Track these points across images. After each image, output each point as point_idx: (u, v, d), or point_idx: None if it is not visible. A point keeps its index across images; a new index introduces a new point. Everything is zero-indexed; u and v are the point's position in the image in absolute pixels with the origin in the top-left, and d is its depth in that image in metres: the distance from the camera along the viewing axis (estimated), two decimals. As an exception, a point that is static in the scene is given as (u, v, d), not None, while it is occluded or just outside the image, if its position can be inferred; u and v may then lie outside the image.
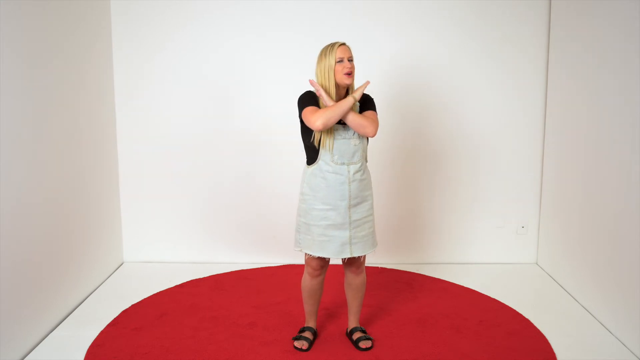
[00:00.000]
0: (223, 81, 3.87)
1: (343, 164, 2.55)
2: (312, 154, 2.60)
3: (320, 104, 2.54)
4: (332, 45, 2.52)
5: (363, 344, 2.73)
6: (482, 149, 3.94)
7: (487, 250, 4.04)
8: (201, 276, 3.72)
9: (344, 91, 2.58)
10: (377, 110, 2.68)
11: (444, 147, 3.94)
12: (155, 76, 3.86)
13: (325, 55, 2.52)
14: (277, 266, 3.93)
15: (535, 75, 3.85)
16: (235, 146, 3.92)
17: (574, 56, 3.43)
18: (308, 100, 2.54)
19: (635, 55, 2.74)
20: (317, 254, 2.61)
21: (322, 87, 2.52)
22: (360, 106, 2.63)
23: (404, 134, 3.90)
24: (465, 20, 3.80)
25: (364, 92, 2.63)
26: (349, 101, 2.46)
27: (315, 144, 2.55)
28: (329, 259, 2.67)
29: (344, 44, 2.53)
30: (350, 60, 2.52)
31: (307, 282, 2.74)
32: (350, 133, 2.54)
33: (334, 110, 2.43)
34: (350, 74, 2.50)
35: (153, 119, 3.90)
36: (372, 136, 2.53)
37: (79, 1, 3.31)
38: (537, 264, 4.03)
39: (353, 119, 2.49)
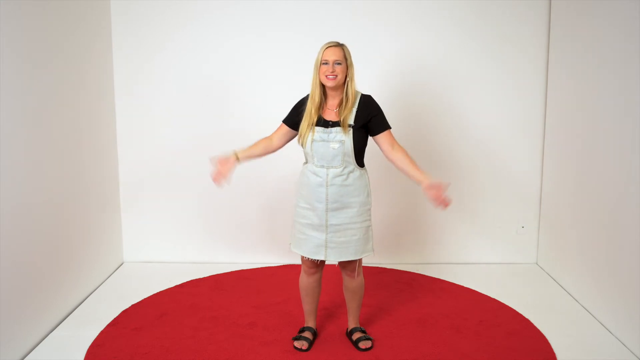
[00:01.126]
0: (223, 81, 3.87)
1: (322, 166, 2.56)
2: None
3: (306, 114, 2.57)
4: (326, 44, 2.52)
5: (363, 344, 2.73)
6: (482, 149, 3.94)
7: (487, 250, 4.04)
8: (201, 276, 3.72)
9: (334, 91, 2.56)
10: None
11: (444, 147, 3.94)
12: (155, 76, 3.86)
13: (319, 51, 2.53)
14: (277, 266, 3.93)
15: (535, 75, 3.85)
16: (235, 146, 3.89)
17: (574, 56, 3.42)
18: (292, 109, 2.68)
19: (635, 55, 2.74)
20: (294, 250, 2.68)
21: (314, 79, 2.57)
22: (370, 121, 2.54)
23: (404, 133, 3.87)
24: (465, 20, 3.80)
25: (364, 94, 2.62)
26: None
27: (298, 142, 2.61)
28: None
29: (335, 45, 2.51)
30: (339, 63, 2.49)
31: (304, 279, 2.76)
32: (332, 136, 2.53)
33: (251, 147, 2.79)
34: (332, 77, 2.49)
35: (153, 119, 3.90)
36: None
37: (79, 1, 3.30)
38: (537, 264, 4.03)
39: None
